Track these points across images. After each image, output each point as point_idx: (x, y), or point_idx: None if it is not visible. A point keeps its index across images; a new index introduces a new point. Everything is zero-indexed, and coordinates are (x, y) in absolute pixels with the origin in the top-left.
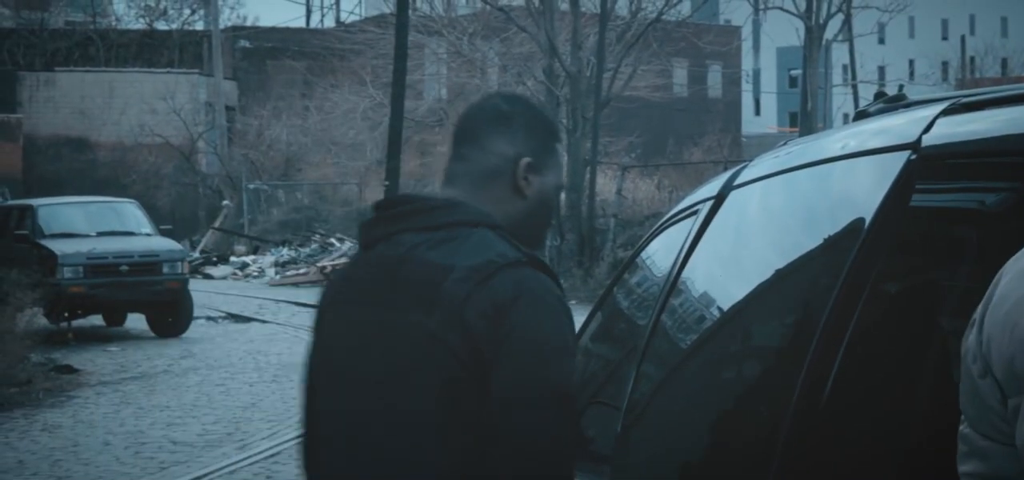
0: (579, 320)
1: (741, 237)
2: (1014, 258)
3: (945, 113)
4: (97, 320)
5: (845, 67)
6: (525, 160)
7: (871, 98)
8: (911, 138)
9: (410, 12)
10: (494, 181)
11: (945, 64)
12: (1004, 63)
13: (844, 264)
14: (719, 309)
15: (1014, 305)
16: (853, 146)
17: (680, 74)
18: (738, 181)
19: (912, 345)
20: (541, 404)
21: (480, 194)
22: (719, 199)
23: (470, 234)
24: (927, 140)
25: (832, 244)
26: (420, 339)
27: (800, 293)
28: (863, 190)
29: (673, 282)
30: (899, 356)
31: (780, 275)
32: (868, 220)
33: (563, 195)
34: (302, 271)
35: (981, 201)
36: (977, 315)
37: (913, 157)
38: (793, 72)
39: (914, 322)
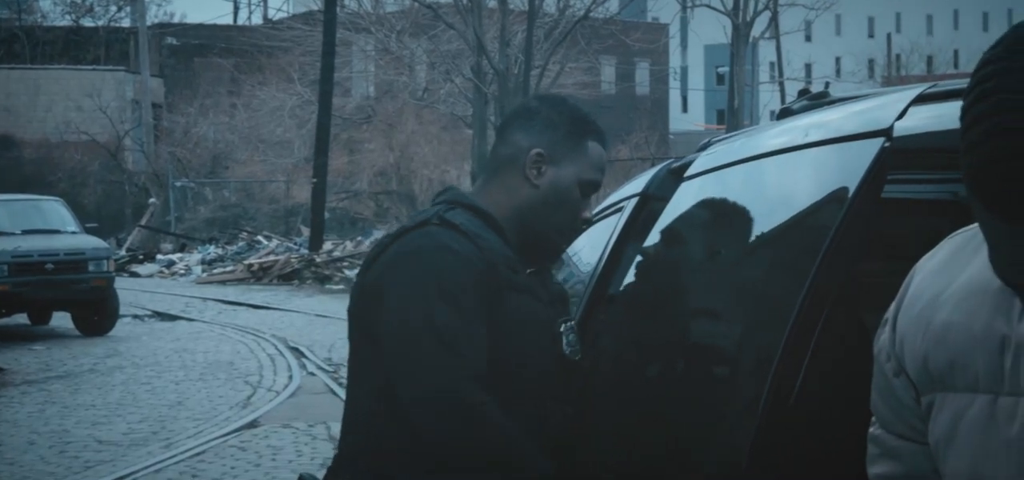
0: None
1: (695, 231)
2: (926, 256)
3: (918, 101)
4: (22, 319)
5: (772, 64)
6: (535, 150)
7: (796, 95)
8: (884, 125)
9: (338, 9)
10: (506, 170)
11: (871, 62)
12: (929, 61)
13: (814, 257)
14: (673, 305)
15: (927, 304)
16: (819, 134)
17: (608, 71)
18: (689, 173)
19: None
20: (405, 345)
21: (493, 181)
22: (645, 196)
23: (442, 208)
24: (900, 128)
25: (799, 237)
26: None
27: (765, 287)
28: (833, 179)
29: (599, 279)
30: (869, 350)
31: (737, 270)
32: (842, 210)
33: None
34: (229, 269)
35: (954, 192)
36: (889, 314)
37: (886, 145)
38: (720, 69)
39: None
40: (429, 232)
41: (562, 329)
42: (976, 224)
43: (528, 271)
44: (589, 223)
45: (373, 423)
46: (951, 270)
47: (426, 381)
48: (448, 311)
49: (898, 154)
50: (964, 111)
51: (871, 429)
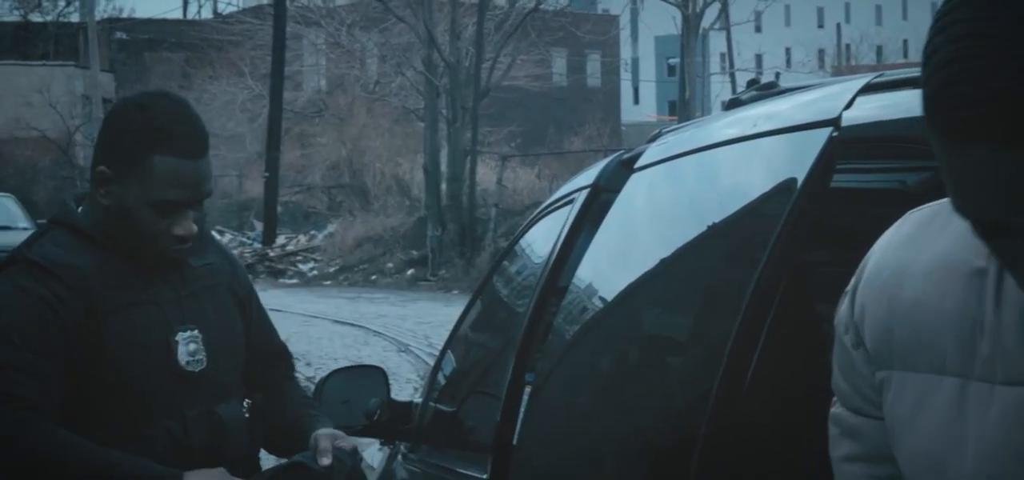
0: (461, 309)
1: (646, 222)
2: (891, 229)
3: (865, 90)
4: None
5: (722, 55)
6: (99, 167)
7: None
8: (832, 115)
9: (288, 3)
10: (92, 184)
11: (821, 52)
12: (879, 50)
13: (764, 247)
14: (622, 298)
15: (892, 276)
16: (768, 125)
17: (559, 63)
18: (639, 164)
19: (832, 329)
20: None
21: (91, 194)
22: (596, 188)
23: (42, 230)
24: (848, 118)
25: (748, 227)
26: None
27: (712, 279)
28: (782, 169)
29: (550, 270)
30: (820, 341)
31: (687, 261)
32: (790, 200)
33: (444, 185)
34: None
35: (902, 181)
36: (850, 286)
37: (834, 134)
38: (671, 61)
39: (834, 304)
40: (7, 274)
41: (179, 338)
42: (942, 199)
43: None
44: (185, 239)
45: None
46: (918, 243)
47: None
48: (5, 351)
49: (846, 144)
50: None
51: (832, 410)
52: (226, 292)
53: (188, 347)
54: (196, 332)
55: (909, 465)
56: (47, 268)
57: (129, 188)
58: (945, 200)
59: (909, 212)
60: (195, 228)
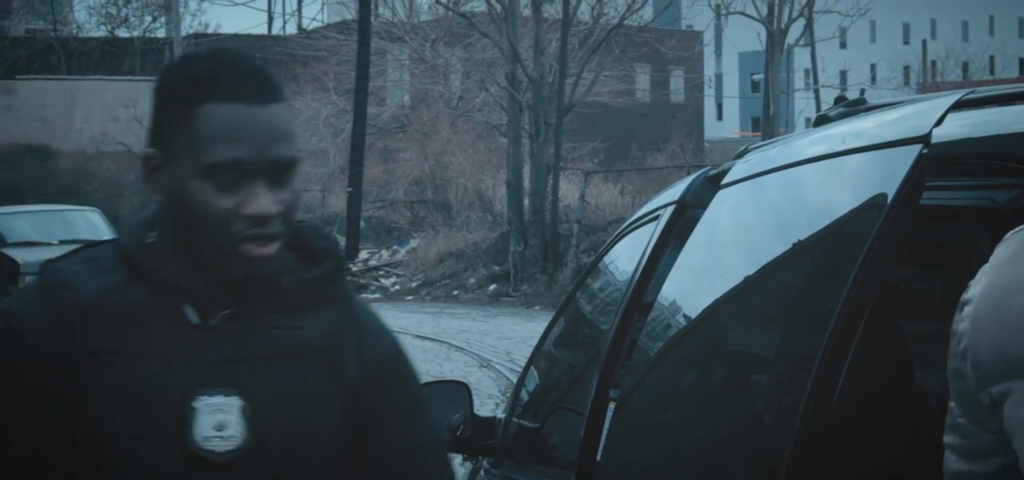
0: (543, 325)
1: (732, 238)
2: (1000, 245)
3: (956, 107)
4: None
5: (807, 71)
6: (145, 152)
7: (832, 102)
8: (922, 132)
9: (372, 18)
10: (144, 181)
11: (907, 68)
12: (965, 67)
13: (853, 264)
14: (707, 314)
15: (1003, 293)
16: (856, 142)
17: (643, 79)
18: (725, 181)
19: (919, 346)
20: None
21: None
22: (682, 204)
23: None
24: (938, 134)
25: (836, 243)
26: None
27: (799, 296)
28: (871, 186)
29: (635, 287)
30: (908, 357)
31: (774, 278)
32: (880, 217)
33: (526, 200)
34: None
35: (992, 198)
36: (966, 297)
37: (925, 151)
38: (755, 77)
39: (923, 321)
40: (21, 287)
41: (199, 404)
42: None
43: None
44: (263, 219)
45: None
46: (1022, 260)
47: None
48: None
49: (936, 161)
50: None
51: (950, 401)
52: (316, 366)
53: (213, 418)
54: (232, 398)
55: None
56: (50, 285)
57: (180, 164)
58: None
59: (1010, 233)
60: (276, 208)
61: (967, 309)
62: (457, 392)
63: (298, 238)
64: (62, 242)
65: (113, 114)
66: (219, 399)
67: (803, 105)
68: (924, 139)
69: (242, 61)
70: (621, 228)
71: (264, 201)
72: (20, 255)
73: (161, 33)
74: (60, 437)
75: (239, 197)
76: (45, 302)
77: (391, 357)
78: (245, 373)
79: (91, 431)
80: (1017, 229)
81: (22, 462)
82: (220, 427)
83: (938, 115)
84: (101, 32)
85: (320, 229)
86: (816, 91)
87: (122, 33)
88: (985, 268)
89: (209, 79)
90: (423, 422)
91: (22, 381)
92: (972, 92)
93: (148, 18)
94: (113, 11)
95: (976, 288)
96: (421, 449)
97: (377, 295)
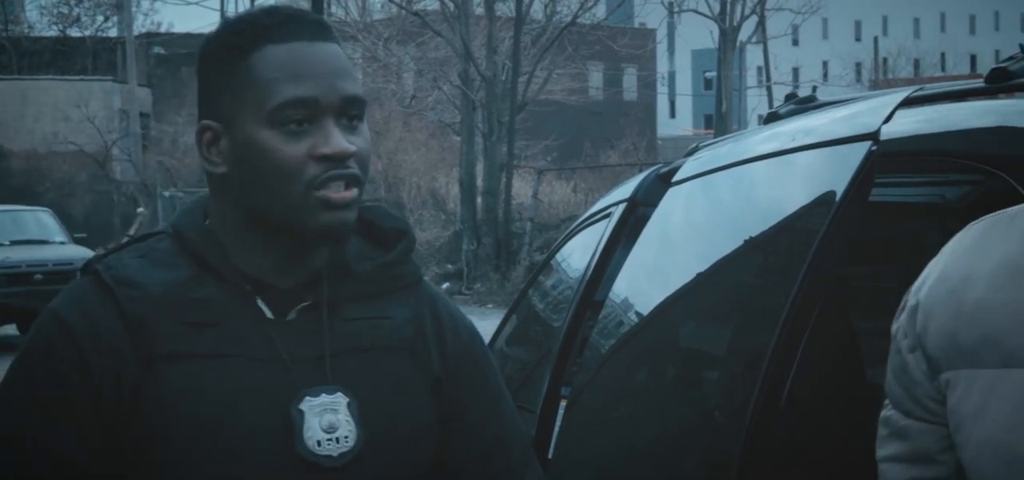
0: (496, 323)
1: (683, 236)
2: (956, 237)
3: (904, 104)
4: (11, 330)
5: (759, 69)
6: (200, 125)
7: (784, 99)
8: (871, 129)
9: (325, 17)
10: (203, 161)
11: (858, 65)
12: (917, 64)
13: (803, 261)
14: (659, 312)
15: (958, 282)
16: (806, 139)
17: (595, 77)
18: (676, 178)
19: (869, 343)
20: None
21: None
22: (633, 202)
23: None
24: (887, 132)
25: (787, 240)
26: None
27: (750, 293)
28: (821, 183)
29: (587, 284)
30: (858, 354)
31: (725, 275)
32: (830, 213)
33: (479, 199)
34: None
35: (942, 194)
36: (911, 293)
37: (874, 148)
38: (708, 74)
39: (874, 318)
40: (66, 290)
41: (305, 406)
42: (1002, 210)
43: (304, 305)
44: (340, 157)
45: None
46: (980, 250)
47: None
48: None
49: (886, 157)
50: None
51: (883, 412)
52: (405, 359)
53: (323, 419)
54: (337, 396)
55: (975, 458)
56: (113, 283)
57: (242, 121)
58: (1004, 210)
59: (970, 224)
60: (352, 147)
61: (916, 300)
62: None
63: (364, 221)
64: (13, 243)
65: (65, 114)
66: (324, 398)
67: (756, 102)
68: (873, 136)
69: (291, 8)
70: (573, 226)
71: (338, 138)
72: None
73: (113, 33)
74: (135, 458)
75: (311, 140)
76: (107, 303)
77: (471, 347)
78: (342, 368)
79: (173, 445)
80: (974, 221)
81: None
82: (331, 429)
83: (887, 112)
84: (53, 32)
85: (386, 209)
86: (769, 88)
87: (74, 32)
88: (936, 260)
89: (264, 26)
90: (506, 414)
91: (88, 399)
92: (921, 89)
93: (100, 17)
94: (65, 10)
95: (925, 282)
96: (505, 443)
97: None
